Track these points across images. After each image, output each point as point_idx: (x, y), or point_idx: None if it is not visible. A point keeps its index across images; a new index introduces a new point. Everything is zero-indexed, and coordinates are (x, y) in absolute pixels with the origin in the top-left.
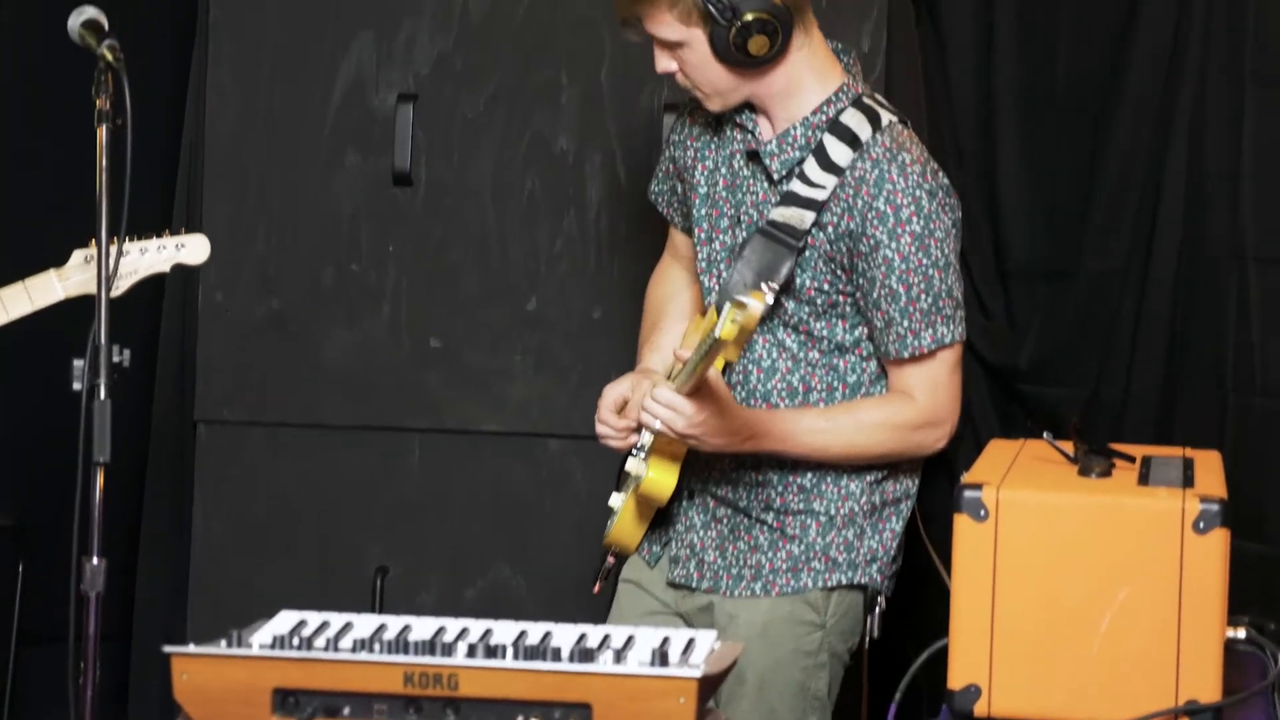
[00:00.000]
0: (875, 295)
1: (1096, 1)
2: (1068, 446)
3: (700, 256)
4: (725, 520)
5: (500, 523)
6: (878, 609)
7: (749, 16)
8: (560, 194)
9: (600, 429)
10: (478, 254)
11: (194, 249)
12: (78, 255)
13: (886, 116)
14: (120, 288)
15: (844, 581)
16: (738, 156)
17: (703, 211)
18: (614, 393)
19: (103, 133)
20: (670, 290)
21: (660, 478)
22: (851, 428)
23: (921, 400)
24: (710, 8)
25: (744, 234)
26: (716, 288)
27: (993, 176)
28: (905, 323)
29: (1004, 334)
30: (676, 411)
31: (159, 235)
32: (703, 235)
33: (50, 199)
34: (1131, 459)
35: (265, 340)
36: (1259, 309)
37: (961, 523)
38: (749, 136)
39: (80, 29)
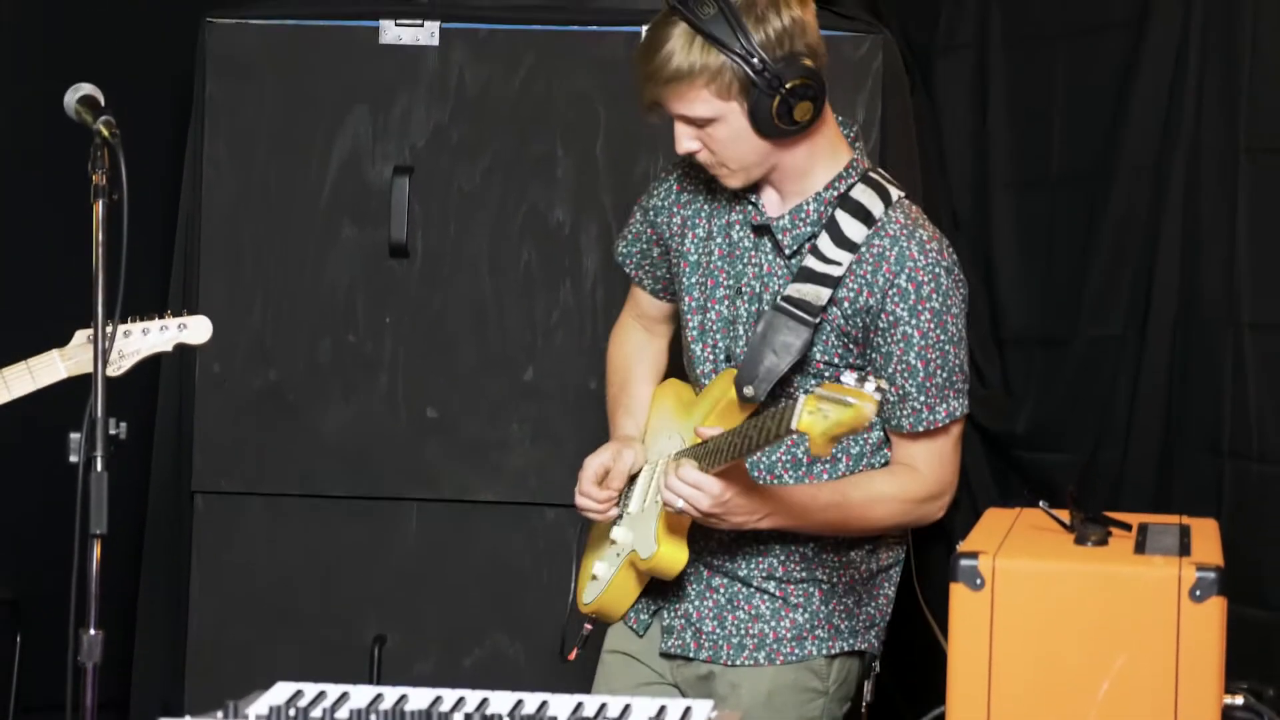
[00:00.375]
0: (890, 370)
1: (1091, 70)
2: (1064, 515)
3: (691, 324)
4: (722, 589)
5: (497, 592)
6: (873, 673)
7: (792, 84)
8: (556, 265)
9: (582, 501)
10: (474, 325)
11: (196, 330)
12: (80, 335)
13: (895, 192)
14: (122, 367)
15: (846, 648)
16: (737, 227)
17: (694, 279)
18: (595, 463)
19: (99, 208)
20: (634, 350)
21: (673, 553)
22: (864, 502)
23: (929, 473)
24: (755, 77)
25: (747, 305)
26: (711, 357)
27: (989, 244)
28: (921, 398)
29: (1001, 401)
30: (704, 491)
31: (161, 316)
32: (694, 303)
33: (54, 277)
34: (1128, 527)
35: (262, 411)
36: (1255, 374)
37: (958, 592)
38: (752, 209)
39: (76, 105)
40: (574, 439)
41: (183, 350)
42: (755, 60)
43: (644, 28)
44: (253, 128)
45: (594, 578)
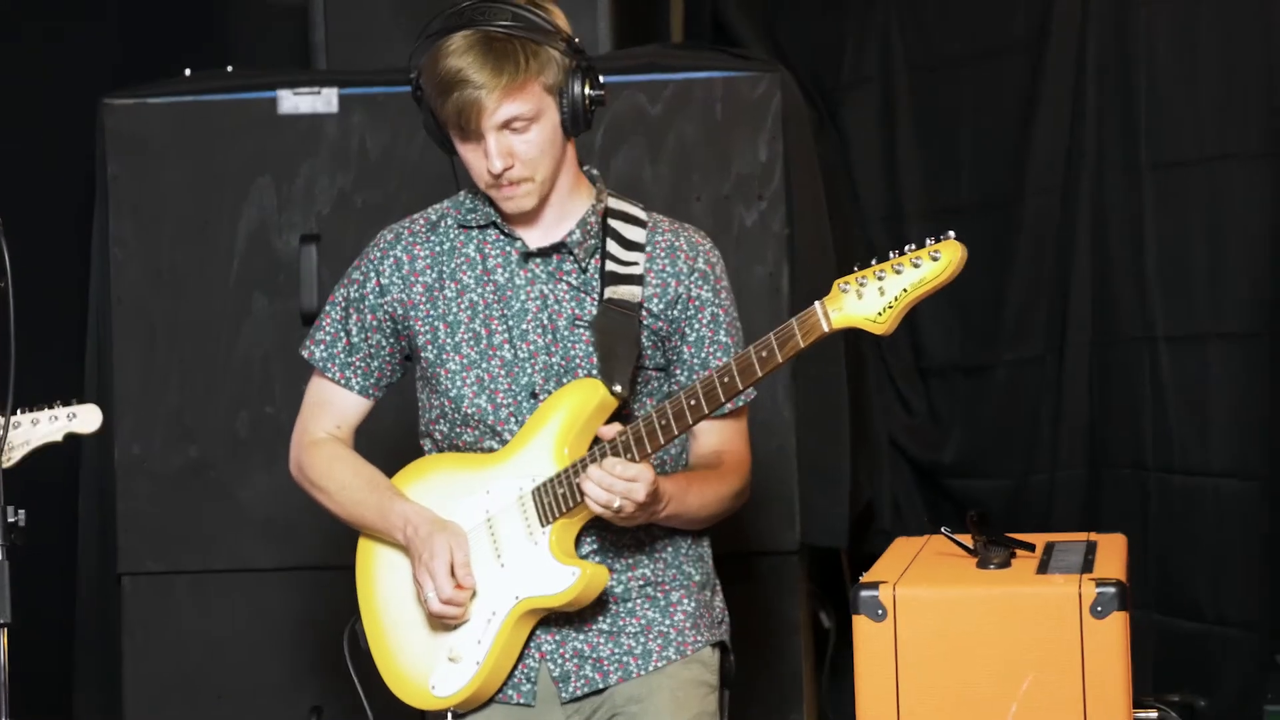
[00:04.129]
0: (704, 354)
1: (996, 94)
2: (967, 539)
3: (467, 382)
4: (604, 613)
5: None
6: (731, 666)
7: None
8: None
9: (448, 610)
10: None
11: (86, 418)
12: None
13: (635, 203)
14: (13, 458)
15: (715, 640)
16: (499, 270)
17: (461, 337)
18: (442, 565)
19: None
20: (354, 456)
21: (594, 567)
22: (717, 487)
23: (744, 453)
24: (574, 66)
25: (542, 337)
26: (510, 401)
27: None
28: None
29: (929, 431)
30: (640, 481)
31: (50, 406)
32: (467, 360)
33: None
34: (1032, 548)
35: (185, 489)
36: (1172, 387)
37: (861, 624)
38: (516, 242)
39: None
40: None
41: (75, 439)
42: (571, 49)
43: None
44: (158, 206)
45: (452, 660)
